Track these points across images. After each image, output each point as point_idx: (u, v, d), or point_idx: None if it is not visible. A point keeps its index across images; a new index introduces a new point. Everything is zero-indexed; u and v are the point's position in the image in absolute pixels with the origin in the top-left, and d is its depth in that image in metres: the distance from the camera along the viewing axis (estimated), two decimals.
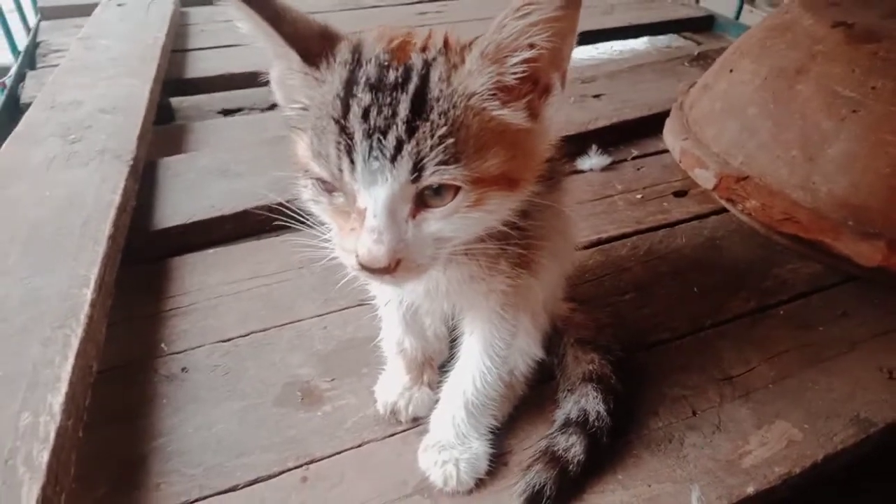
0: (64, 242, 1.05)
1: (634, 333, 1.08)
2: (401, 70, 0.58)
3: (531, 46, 0.58)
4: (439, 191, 0.59)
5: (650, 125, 1.66)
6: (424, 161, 0.56)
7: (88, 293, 0.96)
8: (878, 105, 1.10)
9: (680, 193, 1.46)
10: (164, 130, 1.72)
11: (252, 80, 1.92)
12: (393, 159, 0.56)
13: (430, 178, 0.57)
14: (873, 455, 0.95)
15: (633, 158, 1.61)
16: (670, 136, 1.46)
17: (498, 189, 0.61)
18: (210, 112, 2.09)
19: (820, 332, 1.09)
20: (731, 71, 1.39)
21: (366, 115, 0.56)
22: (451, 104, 0.57)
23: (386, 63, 0.59)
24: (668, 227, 1.36)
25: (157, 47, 1.87)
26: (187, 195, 1.35)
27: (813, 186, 1.14)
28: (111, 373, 0.98)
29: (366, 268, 0.60)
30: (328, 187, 0.61)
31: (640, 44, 2.60)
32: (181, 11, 2.35)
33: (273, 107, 2.01)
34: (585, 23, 2.50)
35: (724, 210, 1.38)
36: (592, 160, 1.56)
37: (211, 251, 1.25)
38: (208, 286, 1.16)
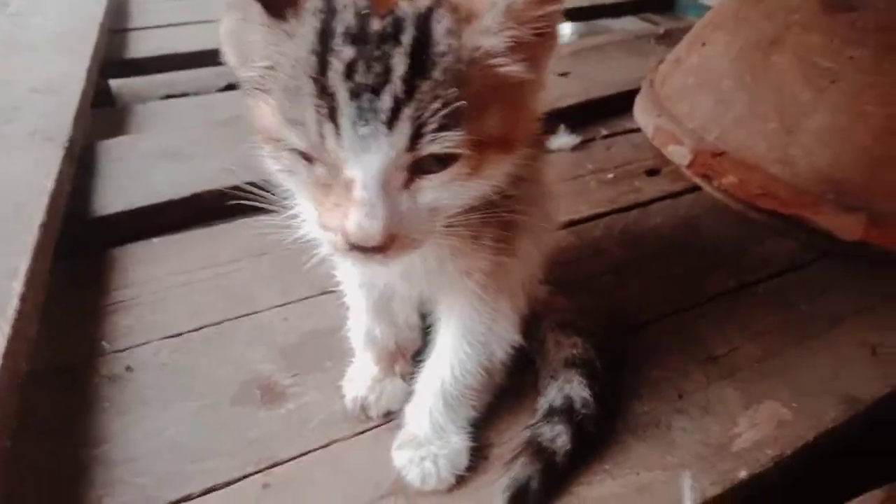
0: None
1: (614, 316, 1.03)
2: (388, 19, 0.49)
3: None
4: (438, 157, 0.51)
5: (618, 103, 1.62)
6: (424, 126, 0.48)
7: (17, 286, 0.86)
8: (857, 75, 1.07)
9: (652, 172, 1.42)
10: (103, 114, 1.59)
11: (198, 59, 1.82)
12: (389, 123, 0.48)
13: (431, 145, 0.49)
14: (857, 433, 0.93)
15: (603, 137, 1.56)
16: (642, 113, 1.42)
17: (496, 152, 0.55)
18: (152, 97, 1.96)
19: (801, 310, 1.06)
20: (703, 44, 1.35)
21: (349, 71, 0.48)
22: (457, 60, 0.49)
23: (366, 11, 0.50)
24: (641, 207, 1.31)
25: (95, 24, 1.74)
26: (130, 180, 1.23)
27: (792, 160, 1.11)
28: (46, 375, 0.88)
29: (356, 246, 0.52)
30: (305, 156, 0.52)
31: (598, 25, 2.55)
32: None
33: (225, 89, 1.89)
34: None
35: (698, 188, 1.34)
36: (562, 140, 1.51)
37: (157, 240, 1.15)
38: (155, 277, 1.06)
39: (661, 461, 0.82)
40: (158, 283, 1.05)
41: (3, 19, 1.76)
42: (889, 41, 1.06)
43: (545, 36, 0.54)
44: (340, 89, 0.48)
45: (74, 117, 1.26)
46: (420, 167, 0.52)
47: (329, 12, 0.50)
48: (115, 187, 1.22)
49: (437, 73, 0.48)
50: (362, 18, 0.49)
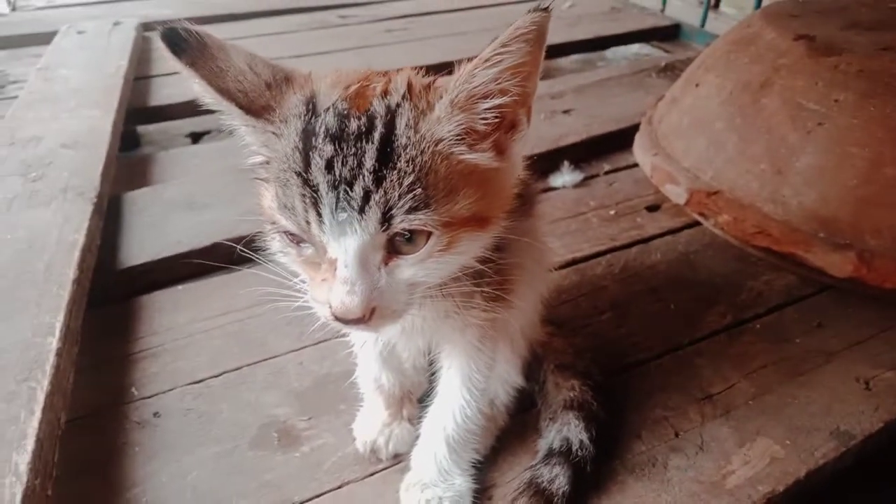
0: (26, 288, 1.02)
1: (613, 355, 1.08)
2: (363, 119, 0.57)
3: (502, 92, 0.57)
4: (411, 237, 0.58)
5: (621, 139, 1.67)
6: (393, 209, 0.55)
7: (54, 342, 0.93)
8: (841, 118, 1.11)
9: (653, 208, 1.47)
10: (127, 160, 1.68)
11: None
12: (361, 210, 0.55)
13: (400, 225, 0.56)
14: (852, 467, 0.96)
15: (606, 174, 1.61)
16: (640, 151, 1.47)
17: (469, 230, 0.61)
18: (177, 136, 2.05)
19: (796, 345, 1.10)
20: (696, 85, 1.40)
21: (329, 166, 0.55)
22: (419, 151, 0.56)
23: (345, 112, 0.57)
24: (642, 243, 1.36)
25: (120, 76, 1.84)
26: (153, 231, 1.31)
27: (783, 199, 1.15)
28: (80, 421, 0.95)
29: (340, 319, 0.58)
30: (296, 239, 0.60)
31: (608, 52, 2.61)
32: (144, 36, 2.30)
33: None
34: (553, 36, 2.52)
35: (698, 223, 1.39)
36: (565, 177, 1.56)
37: (180, 287, 1.22)
38: (178, 325, 1.13)
39: (656, 499, 0.86)
40: (181, 331, 1.12)
41: (35, 73, 1.86)
42: (870, 85, 1.10)
43: (508, 124, 0.61)
44: (321, 182, 0.55)
45: (102, 172, 1.34)
46: (396, 247, 0.58)
47: (311, 114, 0.58)
48: (139, 238, 1.29)
49: (401, 164, 0.55)
50: (342, 119, 0.57)
